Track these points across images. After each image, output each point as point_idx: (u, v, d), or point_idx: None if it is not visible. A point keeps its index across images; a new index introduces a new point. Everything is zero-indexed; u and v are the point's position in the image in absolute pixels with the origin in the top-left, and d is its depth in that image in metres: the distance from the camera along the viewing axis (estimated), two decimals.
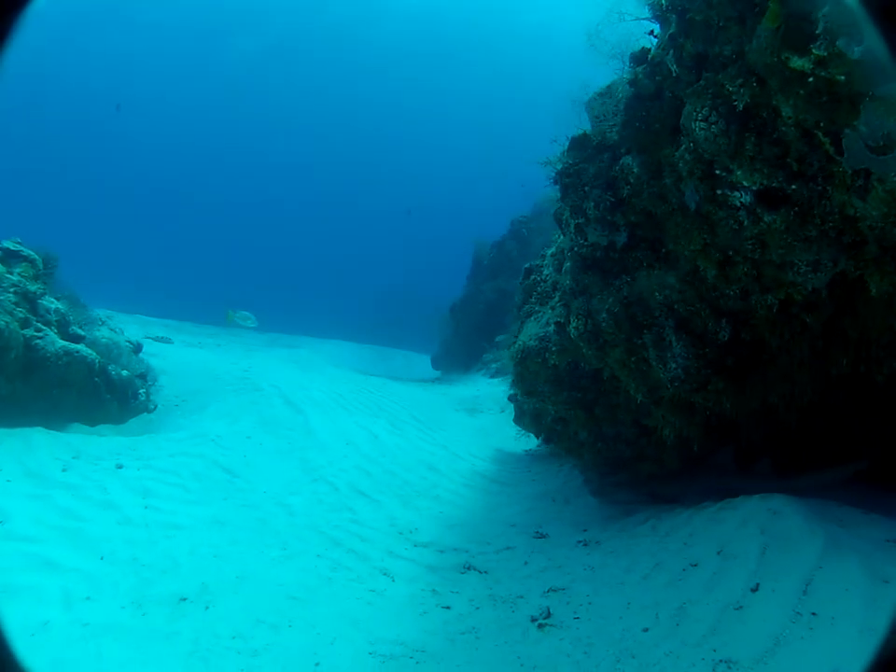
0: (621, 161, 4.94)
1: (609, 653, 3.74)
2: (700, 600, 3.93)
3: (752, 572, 3.90)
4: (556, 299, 6.05)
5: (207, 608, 4.19)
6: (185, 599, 4.24)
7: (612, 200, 5.04)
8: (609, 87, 5.50)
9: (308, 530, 5.63)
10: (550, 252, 6.72)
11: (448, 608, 4.62)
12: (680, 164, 4.34)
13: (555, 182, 5.36)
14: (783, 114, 3.61)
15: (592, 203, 5.12)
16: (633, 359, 5.26)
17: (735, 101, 3.68)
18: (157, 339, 13.32)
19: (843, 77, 3.09)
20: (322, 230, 55.89)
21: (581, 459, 6.59)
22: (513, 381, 6.38)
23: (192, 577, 4.51)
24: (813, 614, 3.35)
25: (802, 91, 3.33)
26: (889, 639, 1.73)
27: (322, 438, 7.40)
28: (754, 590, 3.76)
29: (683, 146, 4.27)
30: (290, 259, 51.41)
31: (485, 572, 5.34)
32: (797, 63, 3.24)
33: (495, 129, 51.59)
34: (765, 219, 4.06)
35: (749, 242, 4.21)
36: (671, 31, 4.02)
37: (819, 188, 3.70)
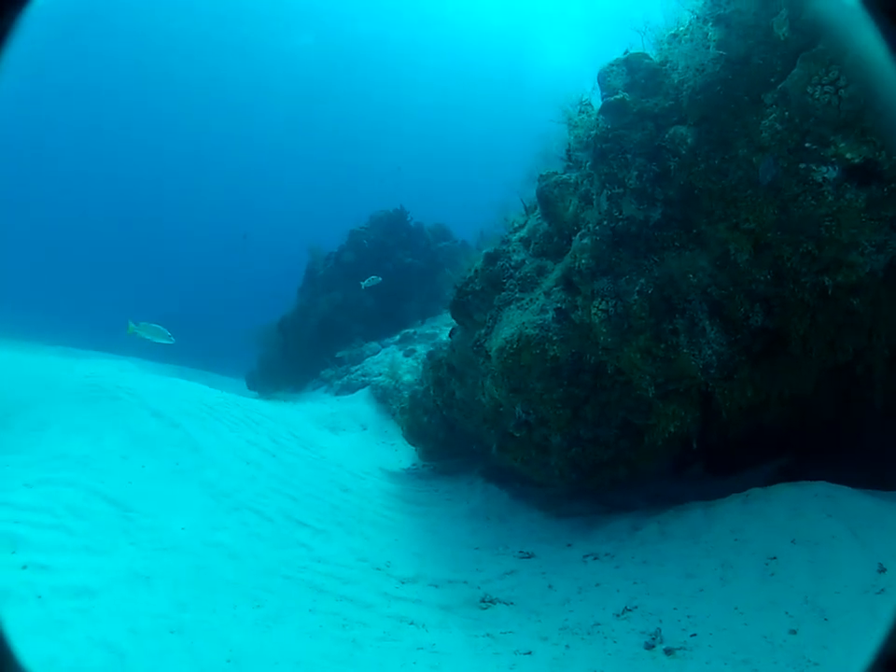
0: (671, 131, 4.59)
1: (783, 667, 3.13)
2: (822, 591, 3.55)
3: (861, 554, 3.66)
4: (550, 283, 5.40)
5: None
6: None
7: (657, 171, 4.64)
8: (626, 59, 5.18)
9: (270, 576, 3.98)
10: (517, 237, 6.08)
11: (530, 653, 3.54)
12: (765, 134, 4.13)
13: (587, 147, 4.78)
14: None
15: (635, 173, 4.65)
16: (661, 346, 4.85)
17: None
18: None
19: None
20: (135, 233, 46.33)
21: (543, 468, 5.93)
22: (494, 377, 5.50)
23: None
24: None
25: None
26: (890, 639, 1.65)
27: (214, 456, 5.51)
28: (881, 571, 3.50)
29: (773, 114, 4.07)
30: (95, 266, 41.63)
31: (512, 603, 4.34)
32: None
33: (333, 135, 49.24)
34: (847, 196, 4.01)
35: (826, 219, 4.12)
36: None
37: None
